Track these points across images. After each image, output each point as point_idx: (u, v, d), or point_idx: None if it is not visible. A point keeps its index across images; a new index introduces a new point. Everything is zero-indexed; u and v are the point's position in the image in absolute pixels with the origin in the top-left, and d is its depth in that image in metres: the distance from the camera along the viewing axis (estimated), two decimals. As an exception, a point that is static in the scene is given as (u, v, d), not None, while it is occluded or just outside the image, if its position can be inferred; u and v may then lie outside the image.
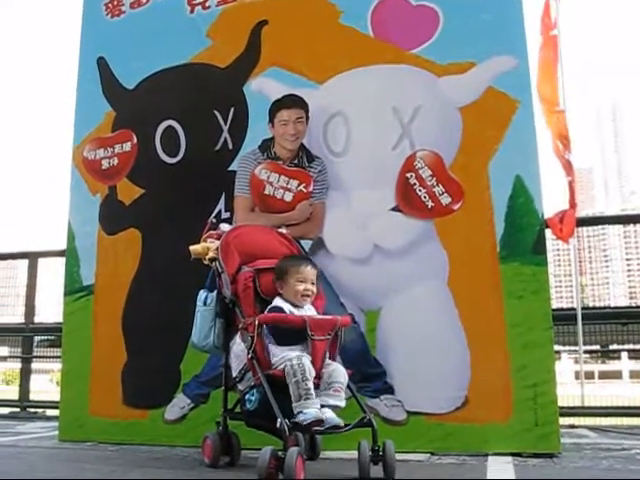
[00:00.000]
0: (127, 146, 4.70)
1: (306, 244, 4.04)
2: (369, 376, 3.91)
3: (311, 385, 2.80)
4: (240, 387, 3.18)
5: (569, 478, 3.14)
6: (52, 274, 7.15)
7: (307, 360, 2.85)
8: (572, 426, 5.22)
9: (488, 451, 3.70)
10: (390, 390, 3.92)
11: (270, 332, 3.01)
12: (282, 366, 2.86)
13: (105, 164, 4.76)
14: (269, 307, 3.12)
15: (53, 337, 7.20)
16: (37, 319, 7.36)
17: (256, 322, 2.98)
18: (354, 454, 2.91)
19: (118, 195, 4.67)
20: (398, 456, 2.97)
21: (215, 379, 3.87)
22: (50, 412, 6.59)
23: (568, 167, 5.48)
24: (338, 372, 2.99)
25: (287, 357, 2.87)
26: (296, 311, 3.09)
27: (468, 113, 4.03)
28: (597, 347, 6.13)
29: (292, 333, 2.98)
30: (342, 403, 2.95)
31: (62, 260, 5.03)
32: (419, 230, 4.02)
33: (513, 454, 3.65)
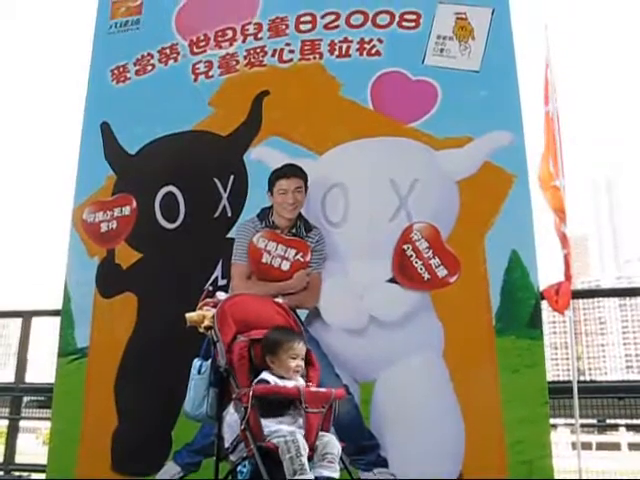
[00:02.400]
0: (127, 210, 4.74)
1: (302, 314, 4.01)
2: (363, 448, 3.85)
3: (305, 460, 2.75)
4: (232, 458, 3.12)
5: None
6: (46, 334, 7.08)
7: (300, 435, 2.81)
8: (570, 503, 5.11)
9: (483, 529, 3.64)
10: (384, 463, 3.87)
11: (257, 404, 2.98)
12: (275, 440, 2.83)
13: (104, 227, 4.78)
14: (256, 380, 3.10)
15: (43, 398, 7.08)
16: (28, 378, 7.27)
17: (250, 393, 2.95)
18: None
19: (116, 258, 4.68)
20: (391, 533, 2.92)
21: (207, 448, 3.77)
22: (35, 476, 6.43)
23: (564, 240, 5.52)
24: (332, 444, 2.93)
25: (280, 433, 2.84)
26: (282, 383, 3.06)
27: (465, 187, 4.10)
28: (594, 421, 6.07)
29: (278, 404, 2.95)
30: (336, 474, 2.89)
31: (55, 320, 5.00)
32: (415, 302, 4.03)
33: (508, 533, 3.60)
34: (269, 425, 2.90)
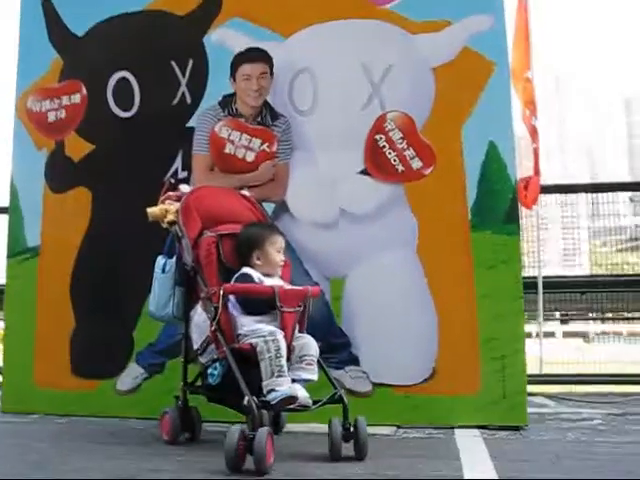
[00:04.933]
0: (76, 98, 4.39)
1: (269, 207, 3.86)
2: (334, 347, 3.77)
3: (284, 362, 2.67)
4: (202, 360, 3.02)
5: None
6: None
7: (281, 336, 2.69)
8: (530, 394, 5.18)
9: (454, 424, 3.64)
10: (355, 361, 3.81)
11: (238, 301, 2.84)
12: (253, 340, 2.70)
13: (51, 117, 4.44)
14: (237, 275, 2.95)
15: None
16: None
17: (221, 292, 2.80)
18: (318, 427, 2.84)
19: (66, 151, 4.37)
20: (363, 429, 2.86)
21: (172, 348, 3.72)
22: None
23: (534, 134, 5.43)
24: (309, 345, 2.87)
25: (259, 332, 2.71)
26: (266, 280, 2.92)
27: (442, 73, 3.89)
28: (557, 314, 6.23)
29: (261, 302, 2.83)
30: (315, 377, 2.85)
31: (3, 218, 4.75)
32: (388, 195, 3.88)
33: (479, 427, 3.60)
34: (248, 324, 2.78)
